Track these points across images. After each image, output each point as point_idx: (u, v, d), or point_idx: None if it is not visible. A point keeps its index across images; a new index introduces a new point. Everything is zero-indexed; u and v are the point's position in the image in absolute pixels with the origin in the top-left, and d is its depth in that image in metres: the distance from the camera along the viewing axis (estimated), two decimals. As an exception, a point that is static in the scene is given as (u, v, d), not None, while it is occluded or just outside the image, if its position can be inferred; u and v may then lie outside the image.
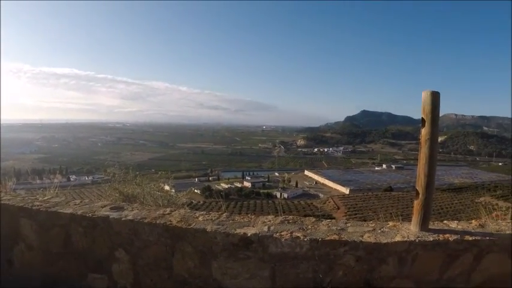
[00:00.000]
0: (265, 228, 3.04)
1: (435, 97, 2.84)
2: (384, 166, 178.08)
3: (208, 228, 3.07)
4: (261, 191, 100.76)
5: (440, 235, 2.93)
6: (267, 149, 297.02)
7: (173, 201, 5.69)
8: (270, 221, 3.24)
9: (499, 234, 3.02)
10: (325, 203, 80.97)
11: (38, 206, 3.89)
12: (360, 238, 2.89)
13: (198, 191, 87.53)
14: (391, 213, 4.85)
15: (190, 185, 75.94)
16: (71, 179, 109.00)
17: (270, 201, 77.10)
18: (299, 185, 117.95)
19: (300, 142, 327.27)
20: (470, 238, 2.93)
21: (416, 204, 2.99)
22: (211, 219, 3.29)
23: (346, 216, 60.38)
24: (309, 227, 3.10)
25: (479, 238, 2.94)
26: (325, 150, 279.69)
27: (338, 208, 73.38)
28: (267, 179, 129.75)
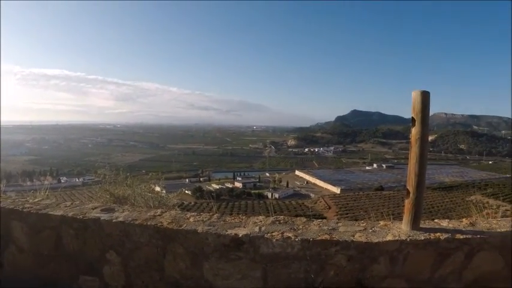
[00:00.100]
0: (257, 229, 3.04)
1: (425, 97, 2.86)
2: (375, 165, 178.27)
3: (200, 229, 3.06)
4: (252, 191, 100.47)
5: (432, 234, 2.94)
6: (258, 149, 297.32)
7: (164, 202, 5.68)
8: (261, 221, 3.24)
9: (489, 232, 3.04)
10: (316, 202, 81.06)
11: (28, 208, 3.86)
12: (351, 238, 2.89)
13: (189, 192, 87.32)
14: (382, 213, 4.86)
15: (181, 186, 75.86)
16: (62, 181, 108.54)
17: (261, 202, 77.12)
18: (290, 185, 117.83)
19: (291, 142, 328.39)
20: (461, 236, 2.94)
21: (407, 203, 3.00)
22: (203, 220, 3.28)
23: (337, 215, 60.51)
24: (300, 227, 3.10)
25: (470, 236, 2.96)
26: (316, 150, 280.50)
27: (329, 208, 73.49)
28: (258, 180, 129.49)
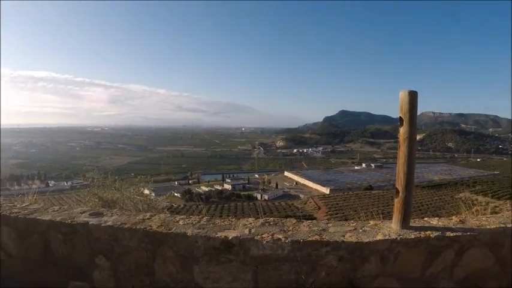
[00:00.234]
0: (246, 231, 3.02)
1: (412, 96, 2.86)
2: (364, 165, 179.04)
3: (189, 233, 3.04)
4: (242, 193, 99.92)
5: (422, 232, 2.96)
6: (247, 150, 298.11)
7: (153, 205, 5.65)
8: (250, 223, 3.23)
9: (479, 230, 3.06)
10: (305, 203, 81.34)
11: (16, 213, 3.82)
12: (342, 238, 2.89)
13: (178, 195, 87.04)
14: (372, 212, 4.88)
15: (170, 188, 75.58)
16: (50, 185, 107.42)
17: (250, 203, 77.16)
18: (279, 186, 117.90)
19: (279, 143, 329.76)
20: (451, 234, 2.96)
21: (397, 202, 3.01)
22: (192, 223, 3.26)
23: (327, 216, 60.75)
24: (290, 228, 3.09)
25: (460, 234, 2.98)
26: (305, 150, 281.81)
27: (319, 208, 73.70)
28: (247, 181, 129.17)
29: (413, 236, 2.90)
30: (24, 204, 4.19)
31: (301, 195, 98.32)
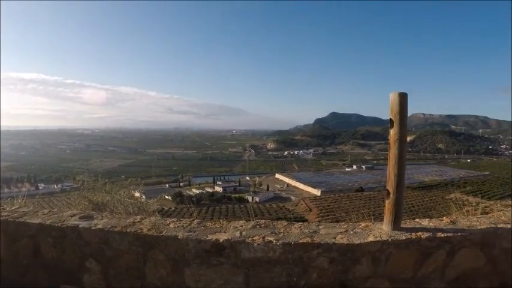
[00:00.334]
0: (237, 234, 3.01)
1: (403, 98, 2.87)
2: (354, 167, 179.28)
3: (180, 236, 3.03)
4: (233, 195, 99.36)
5: (413, 233, 2.97)
6: (238, 153, 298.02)
7: (144, 208, 5.62)
8: (241, 226, 3.22)
9: (470, 230, 3.08)
10: (297, 205, 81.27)
11: (5, 216, 3.78)
12: (333, 240, 2.89)
13: (169, 197, 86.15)
14: (363, 214, 4.89)
15: (161, 191, 75.28)
16: (40, 188, 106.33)
17: (241, 206, 76.78)
18: (270, 188, 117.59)
19: (270, 145, 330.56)
20: (443, 235, 2.97)
21: (388, 203, 3.02)
22: (183, 226, 3.24)
23: (318, 217, 60.89)
24: (281, 230, 3.08)
25: (451, 234, 2.99)
26: (296, 153, 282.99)
27: (310, 210, 73.73)
28: (238, 184, 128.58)
29: (404, 237, 2.91)
30: (13, 208, 4.15)
31: (292, 197, 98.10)
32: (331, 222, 3.40)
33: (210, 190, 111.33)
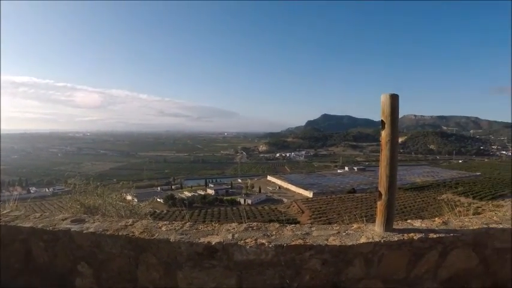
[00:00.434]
0: (230, 236, 3.00)
1: (394, 99, 2.87)
2: (346, 168, 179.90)
3: (172, 238, 3.01)
4: (225, 198, 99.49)
5: (405, 234, 2.97)
6: (229, 155, 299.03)
7: (136, 211, 5.60)
8: (234, 228, 3.20)
9: (462, 230, 3.09)
10: (289, 207, 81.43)
11: (-3, 220, 3.76)
12: (325, 241, 2.89)
13: (161, 200, 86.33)
14: (355, 215, 4.90)
15: (153, 194, 75.06)
16: (31, 191, 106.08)
17: (234, 208, 76.50)
18: (262, 191, 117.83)
19: (262, 148, 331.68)
20: (435, 236, 2.99)
21: (380, 205, 3.02)
22: (175, 229, 3.22)
23: (310, 219, 61.04)
24: (274, 233, 3.08)
25: (443, 235, 3.00)
26: (287, 155, 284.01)
27: (302, 212, 73.88)
28: (230, 186, 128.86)
29: (396, 238, 2.91)
30: (5, 211, 4.11)
31: (285, 199, 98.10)
32: (323, 224, 3.39)
33: (202, 193, 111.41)
